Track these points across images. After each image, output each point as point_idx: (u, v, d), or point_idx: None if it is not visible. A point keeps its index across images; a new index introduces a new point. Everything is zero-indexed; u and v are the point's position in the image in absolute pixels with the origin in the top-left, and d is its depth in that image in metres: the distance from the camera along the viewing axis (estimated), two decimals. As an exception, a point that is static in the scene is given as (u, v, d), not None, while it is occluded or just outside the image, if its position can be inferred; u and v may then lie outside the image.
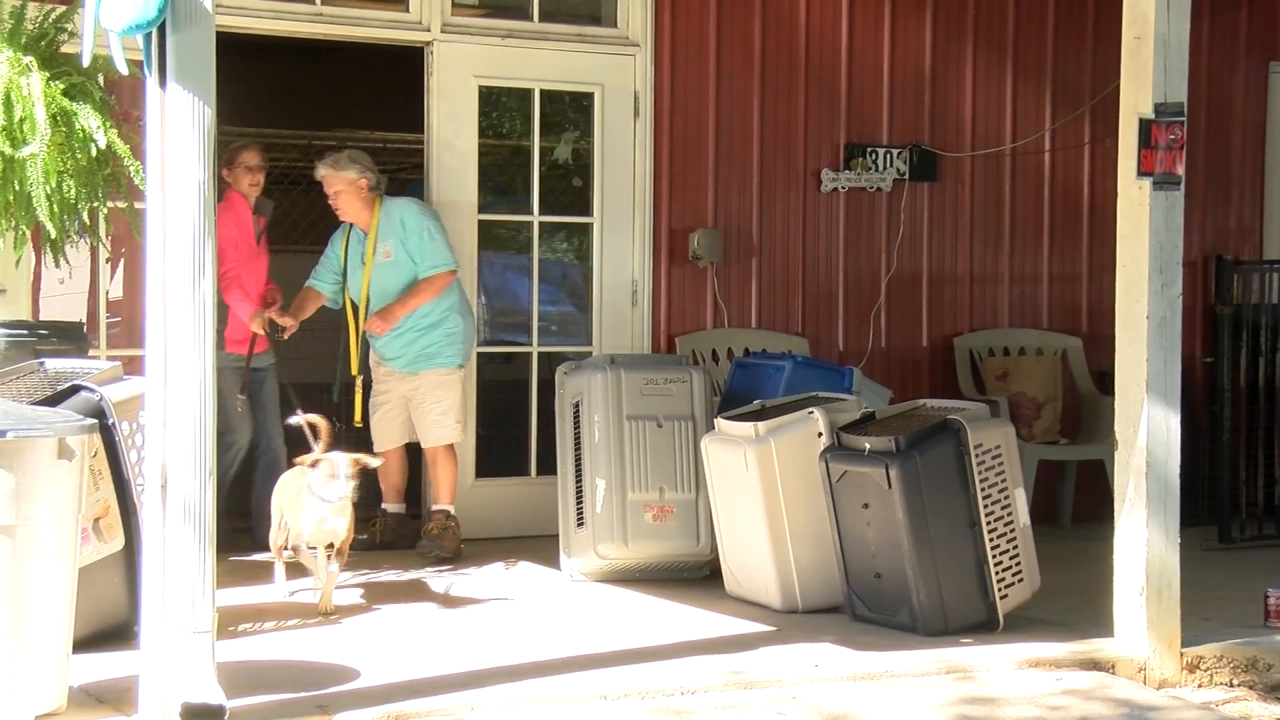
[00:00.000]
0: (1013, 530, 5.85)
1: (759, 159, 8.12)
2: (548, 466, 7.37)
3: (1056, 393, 8.42)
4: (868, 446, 5.89)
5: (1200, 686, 5.47)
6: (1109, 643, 5.56)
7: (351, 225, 7.21)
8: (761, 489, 6.12)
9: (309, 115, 9.76)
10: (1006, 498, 5.84)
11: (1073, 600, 6.04)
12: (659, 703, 4.94)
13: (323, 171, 7.19)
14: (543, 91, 7.85)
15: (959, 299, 8.53)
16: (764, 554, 6.16)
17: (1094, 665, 5.44)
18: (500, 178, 8.32)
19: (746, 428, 6.26)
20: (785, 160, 8.15)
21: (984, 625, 5.77)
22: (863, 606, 5.98)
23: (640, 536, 6.65)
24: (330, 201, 7.21)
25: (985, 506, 5.78)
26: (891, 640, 5.66)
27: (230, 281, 7.00)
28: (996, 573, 5.79)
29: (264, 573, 6.45)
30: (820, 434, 6.13)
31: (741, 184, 8.09)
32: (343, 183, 7.15)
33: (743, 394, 6.87)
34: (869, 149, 8.28)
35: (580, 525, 6.77)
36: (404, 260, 7.09)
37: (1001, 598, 5.80)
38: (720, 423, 6.47)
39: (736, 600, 6.34)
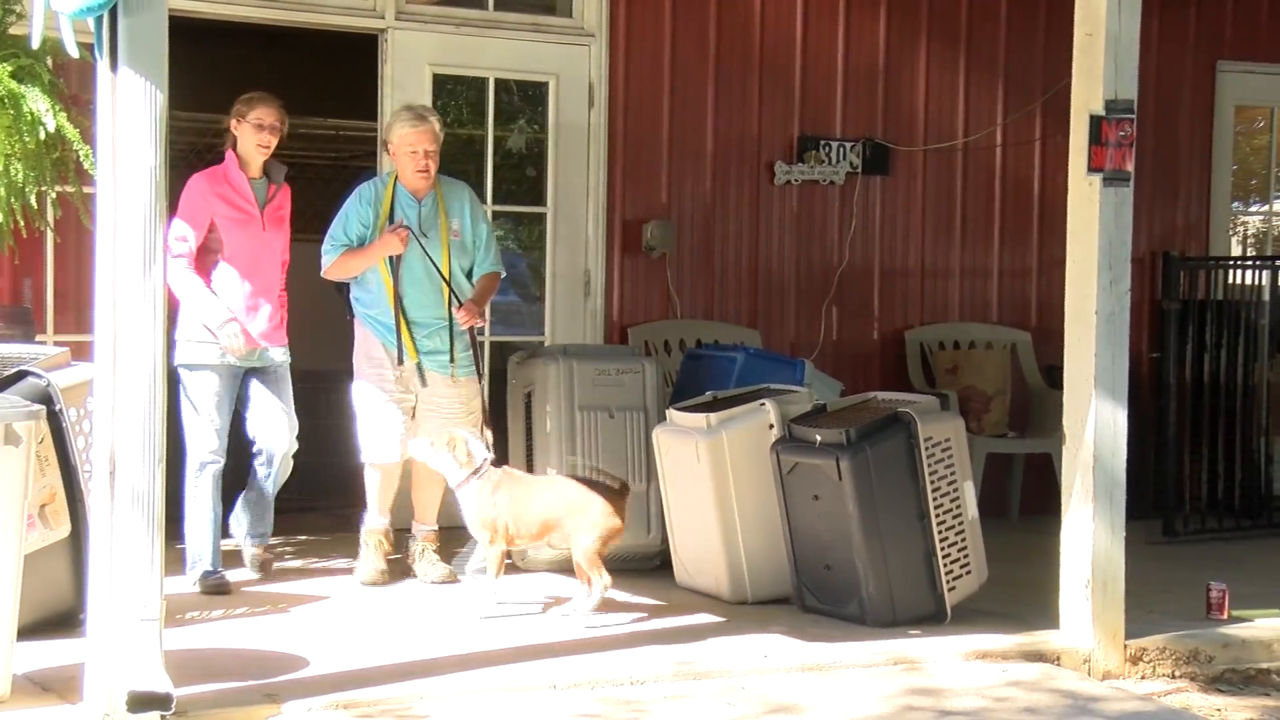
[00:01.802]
0: (961, 523, 5.89)
1: (713, 151, 8.13)
2: (499, 457, 7.35)
3: (1006, 387, 8.48)
4: (819, 439, 5.92)
5: (1143, 678, 5.53)
6: (1054, 635, 5.61)
7: (395, 189, 6.34)
8: (712, 480, 6.14)
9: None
10: (956, 490, 5.88)
11: (1020, 592, 6.09)
12: (609, 693, 4.95)
13: (432, 124, 6.31)
14: (497, 81, 7.83)
15: (910, 292, 8.58)
16: (714, 545, 6.18)
17: (1039, 657, 5.49)
18: (454, 167, 8.27)
19: (698, 419, 6.27)
20: (739, 152, 8.17)
21: (932, 617, 5.81)
22: (812, 598, 6.01)
23: (591, 527, 6.65)
24: (418, 160, 6.27)
25: (934, 499, 5.82)
26: (840, 631, 5.69)
27: (211, 260, 6.15)
28: (945, 565, 5.83)
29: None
30: (771, 426, 6.16)
31: (695, 175, 8.10)
32: (438, 142, 6.35)
33: (695, 385, 6.88)
34: (822, 142, 8.30)
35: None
36: (468, 244, 6.43)
37: (949, 590, 5.84)
38: (672, 414, 6.48)
39: (687, 591, 6.36)
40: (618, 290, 7.96)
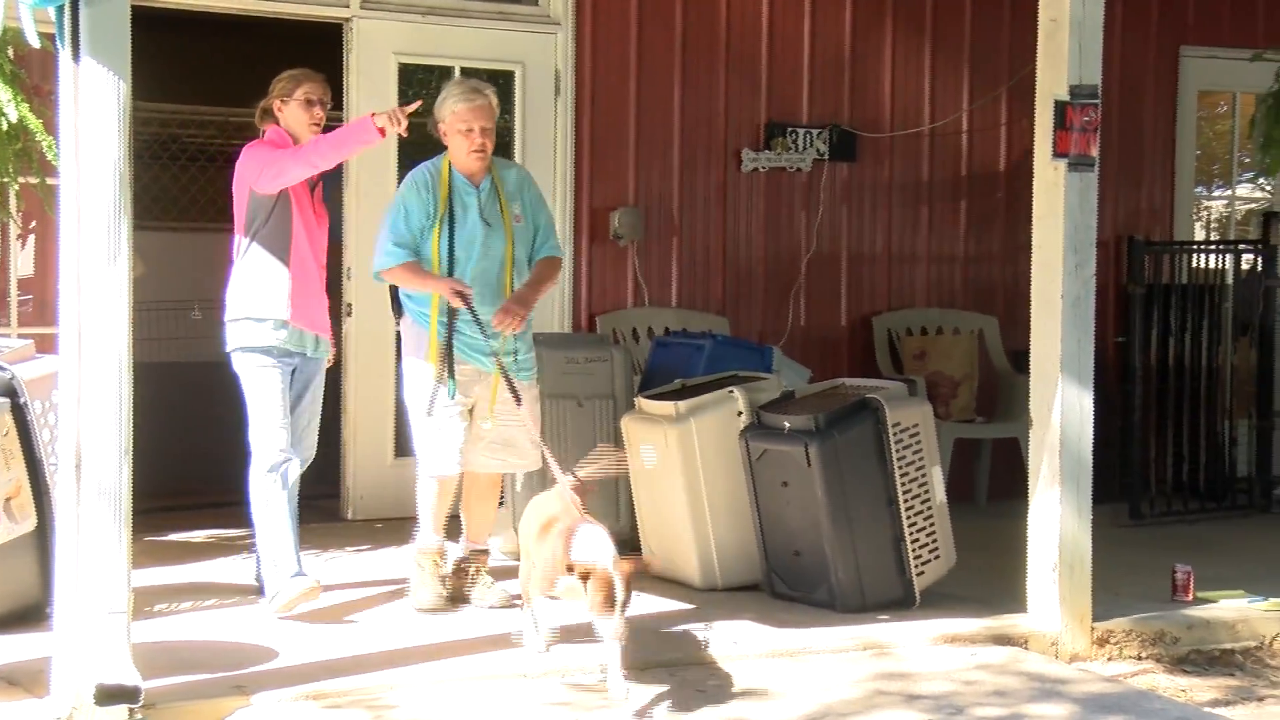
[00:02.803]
0: (930, 508, 5.92)
1: (680, 138, 8.13)
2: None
3: (973, 372, 8.51)
4: (787, 425, 5.93)
5: (1110, 660, 5.57)
6: (1022, 618, 5.64)
7: (451, 175, 5.70)
8: (682, 468, 6.15)
9: (225, 91, 9.64)
10: (924, 476, 5.91)
11: (988, 576, 6.12)
12: (580, 680, 4.96)
13: (489, 98, 5.70)
14: (463, 69, 7.80)
15: (877, 278, 8.60)
16: (684, 532, 6.19)
17: (1007, 640, 5.52)
18: (420, 156, 8.23)
19: (667, 406, 6.28)
20: (706, 140, 8.17)
21: (901, 602, 5.84)
22: (782, 584, 6.03)
23: (561, 515, 6.65)
24: (474, 139, 5.62)
25: (903, 484, 5.85)
26: (810, 617, 5.71)
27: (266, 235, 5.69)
28: (913, 550, 5.86)
29: (181, 553, 6.40)
30: (740, 413, 6.17)
31: (662, 163, 8.10)
32: (494, 119, 5.74)
33: (663, 373, 6.89)
34: (789, 129, 8.31)
35: (501, 504, 6.75)
36: (529, 229, 5.83)
37: (918, 574, 5.87)
38: (640, 401, 6.49)
39: (657, 578, 6.36)
40: (585, 278, 7.96)
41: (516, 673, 5.00)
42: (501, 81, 7.94)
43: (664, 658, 5.22)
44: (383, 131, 5.49)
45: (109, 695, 4.34)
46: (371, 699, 4.72)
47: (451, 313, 5.60)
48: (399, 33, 7.58)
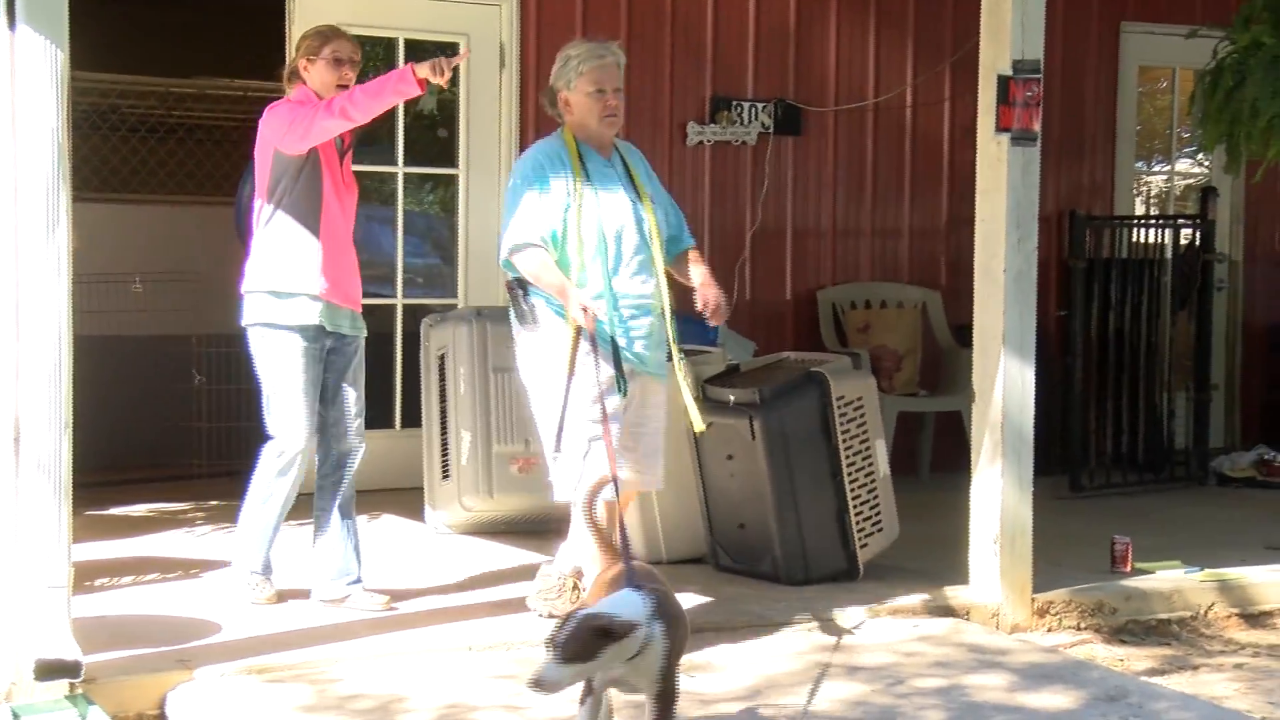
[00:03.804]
0: (873, 481, 5.96)
1: (626, 111, 8.08)
2: (412, 419, 7.35)
3: (916, 345, 8.57)
4: (732, 399, 5.95)
5: (1050, 630, 5.63)
6: (964, 590, 5.69)
7: (579, 149, 5.02)
8: (626, 441, 6.15)
9: (166, 62, 9.55)
10: (868, 449, 5.94)
11: (930, 549, 6.17)
12: (525, 654, 4.96)
13: (618, 55, 5.09)
14: (407, 41, 7.76)
15: (822, 252, 8.63)
16: (629, 505, 6.19)
17: (949, 612, 5.57)
18: (364, 128, 8.23)
19: (612, 380, 6.27)
20: (651, 113, 8.16)
21: (845, 574, 5.87)
22: (726, 557, 6.05)
23: (505, 489, 6.66)
24: (606, 102, 4.99)
25: (847, 457, 5.88)
26: (755, 590, 5.73)
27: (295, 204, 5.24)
28: (857, 523, 5.89)
29: (122, 527, 6.35)
30: (686, 386, 6.16)
31: (608, 136, 8.07)
32: (622, 80, 5.10)
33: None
34: (734, 103, 8.32)
35: (445, 478, 6.75)
36: (661, 211, 5.18)
37: (862, 547, 5.91)
38: (586, 375, 6.47)
39: (601, 551, 6.37)
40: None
41: (461, 646, 5.00)
42: (445, 54, 7.90)
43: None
44: (423, 84, 5.00)
45: (49, 670, 4.31)
46: (315, 673, 4.71)
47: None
48: (342, 4, 7.51)
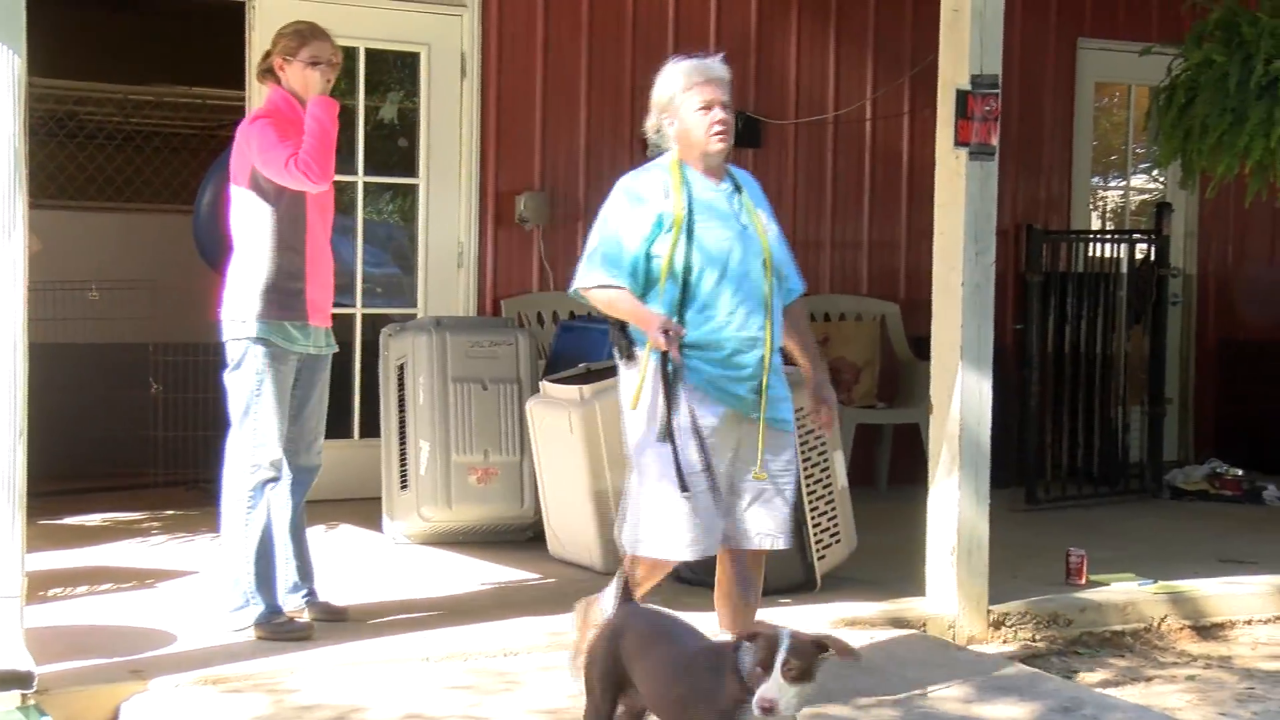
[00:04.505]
0: (831, 492, 5.97)
1: (586, 122, 8.13)
2: (371, 429, 7.33)
3: (875, 358, 8.60)
4: (690, 410, 5.95)
5: (1005, 642, 5.65)
6: (921, 601, 5.71)
7: (684, 173, 4.55)
8: (585, 451, 6.15)
9: (125, 69, 9.51)
10: (825, 460, 5.96)
11: (888, 560, 6.19)
12: (482, 664, 4.96)
13: (724, 68, 4.64)
14: (368, 50, 7.75)
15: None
16: (587, 516, 6.20)
17: (906, 623, 5.59)
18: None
19: (571, 390, 6.28)
20: (612, 124, 8.18)
21: (803, 585, 5.89)
22: (686, 568, 6.04)
23: (464, 499, 6.65)
24: (713, 122, 4.53)
25: (805, 469, 5.89)
26: (711, 601, 5.72)
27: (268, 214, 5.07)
28: (815, 534, 5.91)
29: (77, 537, 6.30)
30: (644, 397, 6.17)
31: (569, 147, 8.09)
32: (731, 95, 4.64)
33: (568, 357, 6.90)
34: (695, 115, 8.32)
35: (404, 488, 6.74)
36: (776, 246, 4.66)
37: (820, 559, 5.92)
38: (545, 385, 6.49)
39: (560, 562, 6.38)
40: (491, 262, 7.94)
41: (418, 656, 4.99)
42: (406, 63, 7.90)
43: (568, 640, 5.22)
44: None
45: (1, 680, 4.27)
46: (272, 683, 4.69)
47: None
48: (302, 12, 7.41)
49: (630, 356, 4.52)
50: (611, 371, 6.34)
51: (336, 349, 5.40)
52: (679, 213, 4.44)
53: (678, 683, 3.57)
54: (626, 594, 3.93)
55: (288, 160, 4.98)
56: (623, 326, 4.53)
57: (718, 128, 4.52)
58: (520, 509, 6.72)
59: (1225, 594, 6.16)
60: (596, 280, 4.48)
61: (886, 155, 8.79)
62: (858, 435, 8.10)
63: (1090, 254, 8.48)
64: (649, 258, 4.44)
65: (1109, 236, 8.79)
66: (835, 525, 5.98)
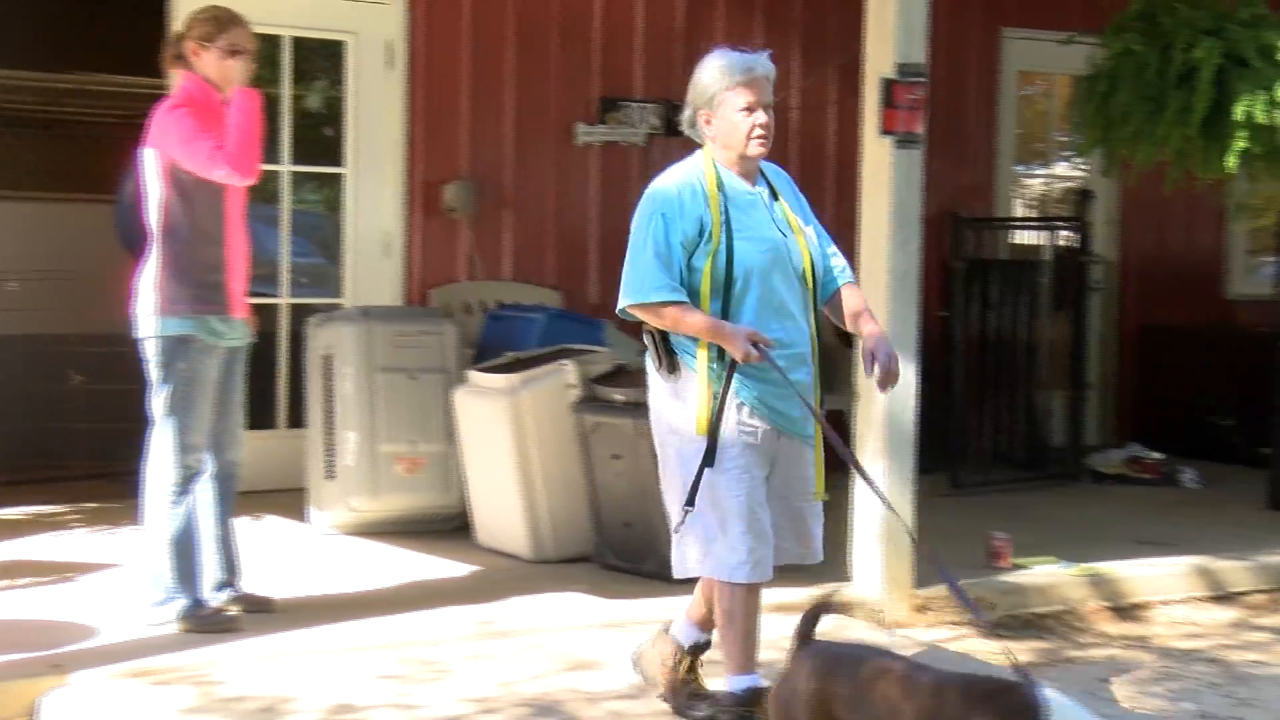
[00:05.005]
0: (758, 479, 6.00)
1: (513, 112, 8.11)
2: (296, 420, 7.28)
3: (803, 346, 8.62)
4: (620, 398, 5.98)
5: (930, 626, 5.71)
6: (847, 587, 5.76)
7: (719, 176, 4.36)
8: (513, 440, 6.16)
9: (45, 56, 9.37)
10: (752, 447, 5.98)
11: (814, 546, 6.22)
12: (410, 653, 4.95)
13: (769, 66, 4.41)
14: (294, 39, 7.68)
15: (709, 253, 8.66)
16: (515, 505, 6.20)
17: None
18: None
19: (499, 380, 6.28)
20: (539, 113, 8.16)
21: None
22: (612, 555, 6.08)
23: (392, 489, 6.63)
24: (757, 120, 4.34)
25: (732, 456, 5.91)
26: (640, 588, 5.76)
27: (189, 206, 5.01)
28: (742, 520, 5.93)
29: (-2, 530, 6.22)
30: (572, 386, 6.19)
31: (496, 136, 8.07)
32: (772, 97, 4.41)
33: (496, 346, 6.89)
34: (623, 103, 8.34)
35: (331, 478, 6.71)
36: (814, 243, 4.51)
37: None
38: (473, 375, 6.48)
39: (488, 551, 6.38)
40: (418, 252, 7.90)
41: (347, 646, 4.98)
42: (332, 52, 7.84)
43: (496, 628, 5.23)
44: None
45: (-80, 677, 4.22)
46: (199, 675, 4.66)
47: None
48: (226, 0, 7.41)
49: (673, 369, 4.27)
50: (540, 361, 6.37)
51: (254, 339, 5.34)
52: (716, 219, 4.22)
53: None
54: (808, 630, 3.71)
55: (212, 154, 4.92)
56: (664, 336, 4.28)
57: (759, 131, 4.32)
58: (448, 498, 6.71)
59: (1143, 575, 6.26)
60: (659, 295, 4.18)
61: (813, 144, 8.82)
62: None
63: (1014, 241, 8.57)
64: (690, 269, 4.23)
65: (1032, 224, 8.88)
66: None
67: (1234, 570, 6.35)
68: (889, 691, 3.43)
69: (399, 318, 6.96)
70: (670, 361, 4.29)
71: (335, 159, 7.86)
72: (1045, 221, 8.97)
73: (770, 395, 4.26)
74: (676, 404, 4.30)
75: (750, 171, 4.39)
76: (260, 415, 7.70)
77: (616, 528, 6.04)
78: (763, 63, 4.38)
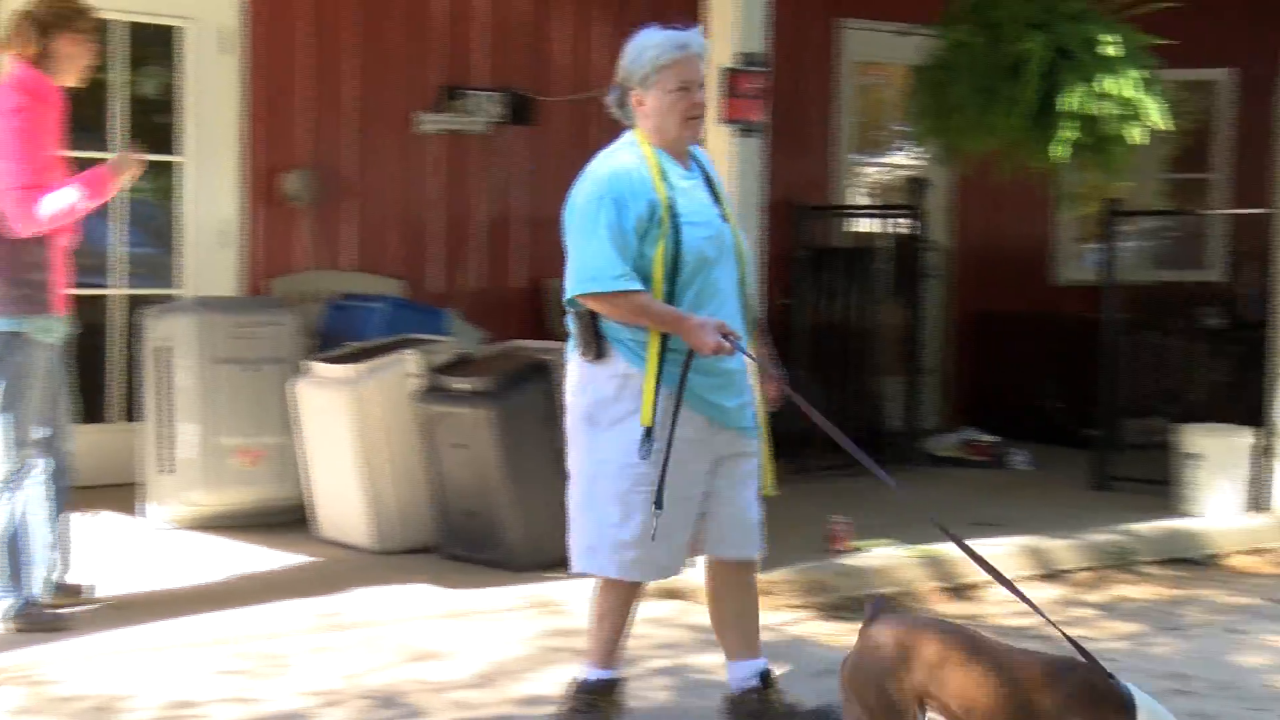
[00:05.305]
0: (601, 467, 6.03)
1: (355, 100, 8.04)
2: (131, 413, 7.15)
3: (646, 333, 8.68)
4: (462, 388, 5.97)
5: (773, 610, 5.80)
6: (687, 572, 5.80)
7: (658, 159, 4.16)
8: (355, 431, 6.12)
9: None
10: (595, 436, 6.02)
11: (657, 532, 6.28)
12: (250, 648, 4.91)
13: (701, 44, 4.27)
14: (127, 24, 7.52)
15: (552, 242, 8.51)
16: (357, 496, 6.17)
17: (674, 594, 5.69)
18: (81, 112, 7.87)
19: (341, 370, 6.24)
20: (381, 101, 8.10)
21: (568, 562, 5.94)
22: (456, 545, 6.08)
23: (230, 482, 6.55)
24: (691, 100, 4.17)
25: (575, 444, 5.94)
26: (483, 577, 5.77)
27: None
28: (585, 508, 5.97)
29: None
30: (415, 376, 6.18)
31: (336, 125, 7.99)
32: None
33: (338, 336, 6.84)
34: (465, 92, 8.31)
35: (168, 472, 6.60)
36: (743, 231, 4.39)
37: (590, 532, 5.98)
38: (314, 365, 6.43)
39: (330, 543, 6.33)
40: (258, 241, 7.80)
41: (184, 642, 4.91)
42: (169, 38, 7.69)
43: (338, 620, 5.20)
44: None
45: None
46: (29, 675, 4.57)
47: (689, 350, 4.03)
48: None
49: (600, 355, 4.10)
50: (381, 351, 6.34)
51: (77, 330, 5.24)
52: (666, 205, 4.05)
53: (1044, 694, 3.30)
54: (880, 608, 3.65)
55: (18, 190, 4.76)
56: (593, 321, 4.10)
57: (695, 112, 4.16)
58: (289, 491, 6.64)
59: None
60: (619, 284, 3.98)
61: (655, 133, 8.87)
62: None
63: (854, 230, 8.71)
64: (640, 256, 4.04)
65: (872, 212, 9.04)
66: (606, 499, 6.04)
67: (1061, 549, 6.54)
68: (976, 661, 3.43)
69: (238, 308, 6.87)
70: (599, 347, 4.11)
71: (171, 147, 7.72)
72: (883, 210, 9.13)
73: (704, 387, 4.11)
74: (603, 394, 4.12)
75: (683, 154, 4.22)
76: (93, 409, 7.54)
77: (460, 517, 6.04)
78: (696, 40, 4.24)
